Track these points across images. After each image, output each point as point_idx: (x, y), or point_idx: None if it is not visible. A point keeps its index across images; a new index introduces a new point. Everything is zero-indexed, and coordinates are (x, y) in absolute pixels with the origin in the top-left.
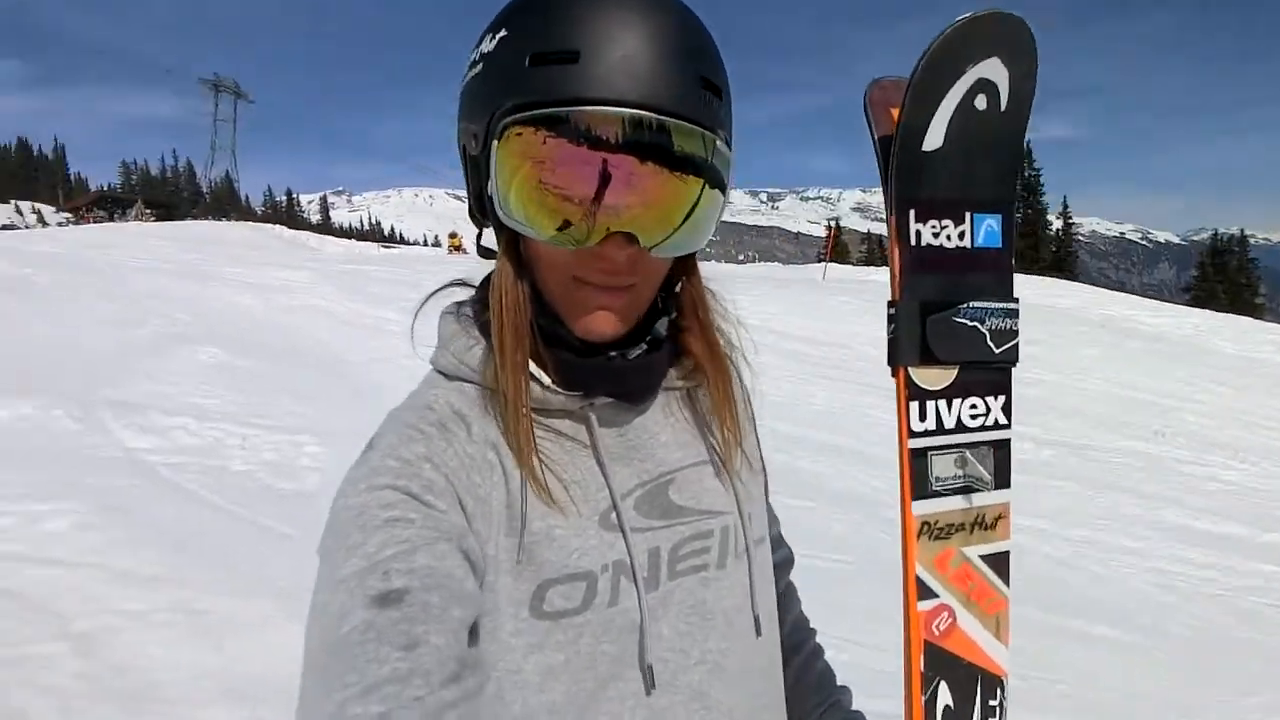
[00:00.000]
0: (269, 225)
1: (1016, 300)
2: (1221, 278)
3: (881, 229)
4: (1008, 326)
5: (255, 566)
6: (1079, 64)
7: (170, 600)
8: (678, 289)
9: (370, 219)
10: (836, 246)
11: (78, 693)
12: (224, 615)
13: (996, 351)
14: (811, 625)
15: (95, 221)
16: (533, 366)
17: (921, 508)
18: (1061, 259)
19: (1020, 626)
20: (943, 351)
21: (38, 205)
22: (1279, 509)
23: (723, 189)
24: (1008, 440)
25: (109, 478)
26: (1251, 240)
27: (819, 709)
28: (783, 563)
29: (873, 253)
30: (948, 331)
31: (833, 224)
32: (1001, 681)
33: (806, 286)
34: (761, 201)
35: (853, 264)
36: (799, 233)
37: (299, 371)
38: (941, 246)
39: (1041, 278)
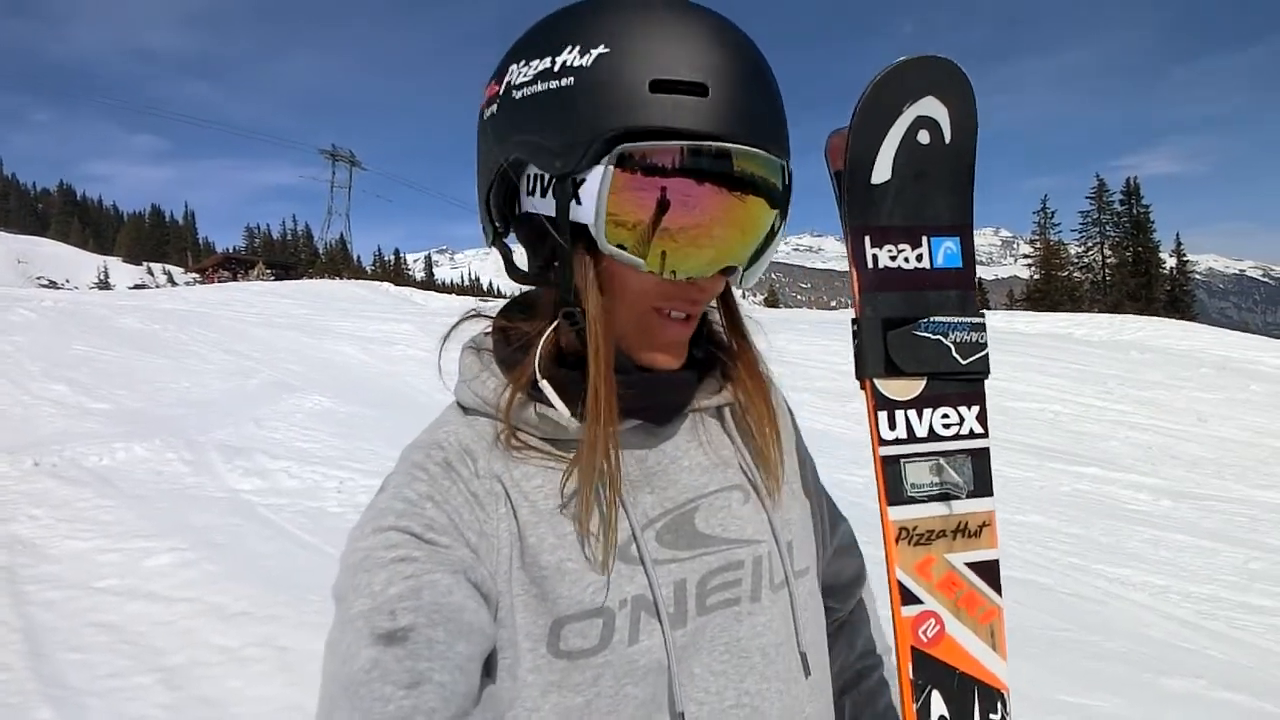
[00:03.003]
0: (377, 282)
1: (982, 315)
2: None
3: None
4: (974, 340)
5: None
6: (1189, 98)
7: (259, 635)
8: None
9: (470, 275)
10: None
11: None
12: (308, 653)
13: (963, 363)
14: (883, 647)
15: (219, 281)
16: (551, 394)
17: (898, 513)
18: (1176, 298)
19: (1138, 692)
20: (905, 363)
21: (167, 267)
22: None
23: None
24: (986, 449)
25: (212, 517)
26: None
27: None
28: (854, 579)
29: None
30: (910, 344)
31: None
32: (1002, 695)
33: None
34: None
35: None
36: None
37: (397, 418)
38: (900, 268)
39: (1156, 318)
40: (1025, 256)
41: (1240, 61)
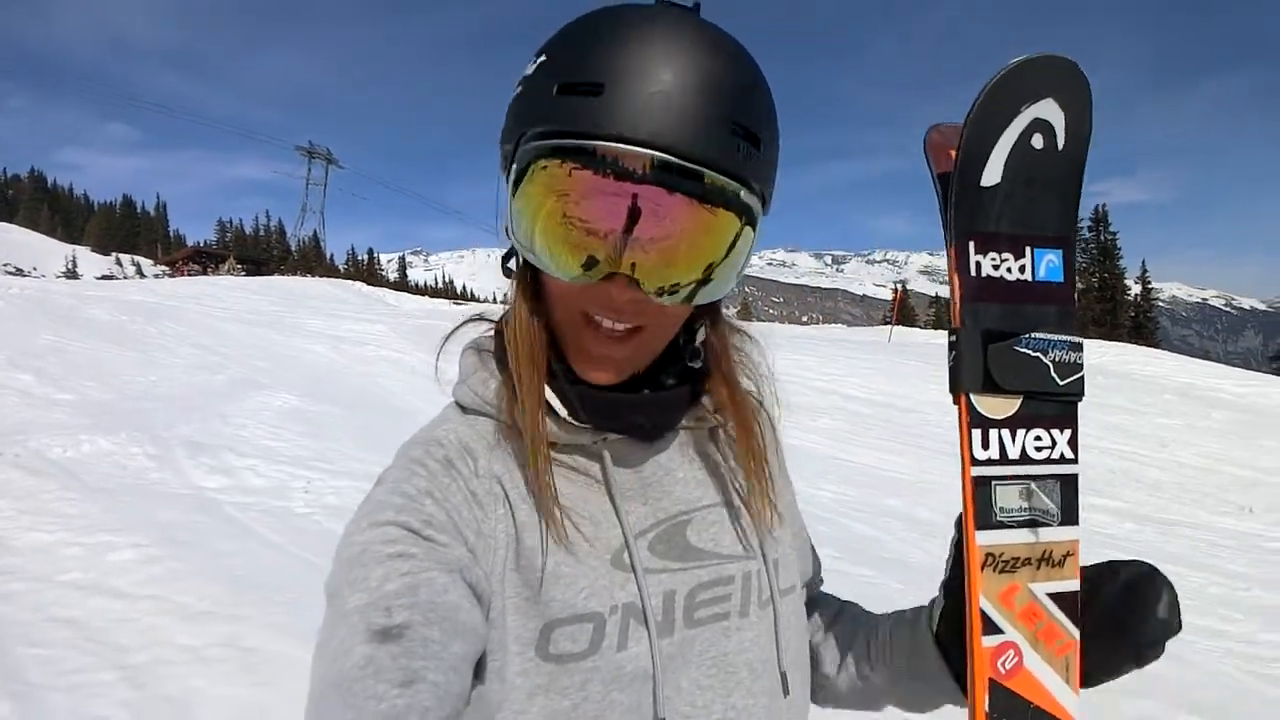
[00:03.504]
0: (349, 281)
1: (1080, 335)
2: None
3: (949, 293)
4: (1071, 359)
5: (307, 607)
6: (1158, 128)
7: (223, 635)
8: (698, 340)
9: (444, 277)
10: (902, 310)
11: None
12: (271, 652)
13: (1061, 384)
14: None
15: (189, 274)
16: (550, 396)
17: (986, 538)
18: (1141, 325)
19: (1100, 714)
20: (1005, 380)
21: (137, 258)
22: None
23: (734, 243)
24: (1075, 475)
25: (176, 513)
26: None
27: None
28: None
29: (940, 317)
30: (1010, 360)
31: (899, 287)
32: None
33: (871, 348)
34: (826, 264)
35: (920, 327)
36: (864, 295)
37: (368, 419)
38: (1002, 278)
39: (1120, 344)
40: None
41: (1206, 94)
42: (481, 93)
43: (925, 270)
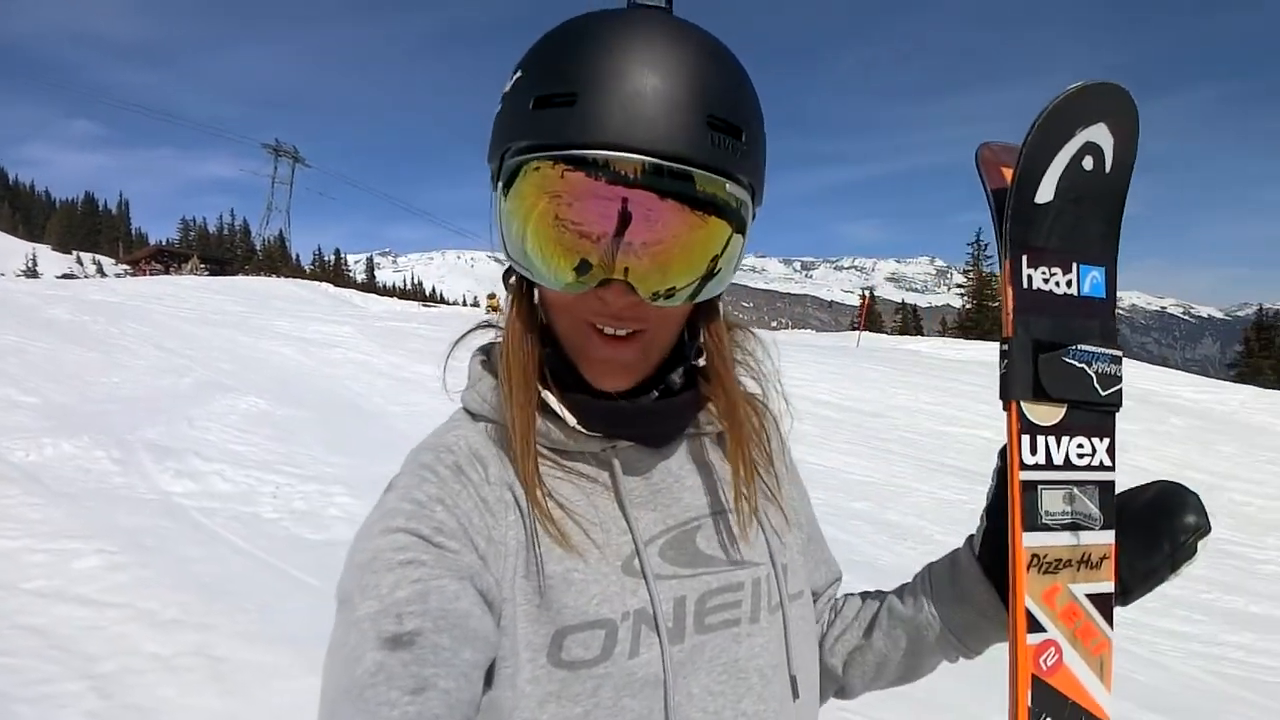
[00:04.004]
0: (316, 282)
1: (1120, 349)
2: (1268, 353)
3: (915, 299)
4: (1113, 371)
5: (276, 614)
6: None
7: (191, 644)
8: (700, 340)
9: (413, 279)
10: (870, 315)
11: None
12: (241, 661)
13: (1103, 395)
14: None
15: (151, 274)
16: (557, 405)
17: (1031, 540)
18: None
19: None
20: (1054, 389)
21: (98, 257)
22: None
23: (731, 209)
24: (1113, 482)
25: (143, 519)
26: None
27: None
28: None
29: (906, 322)
30: (1058, 370)
31: (866, 293)
32: None
33: (839, 354)
34: (795, 270)
35: (886, 333)
36: (832, 301)
37: (336, 423)
38: (1051, 292)
39: None
40: (959, 286)
41: (1167, 108)
42: (452, 93)
43: (892, 277)
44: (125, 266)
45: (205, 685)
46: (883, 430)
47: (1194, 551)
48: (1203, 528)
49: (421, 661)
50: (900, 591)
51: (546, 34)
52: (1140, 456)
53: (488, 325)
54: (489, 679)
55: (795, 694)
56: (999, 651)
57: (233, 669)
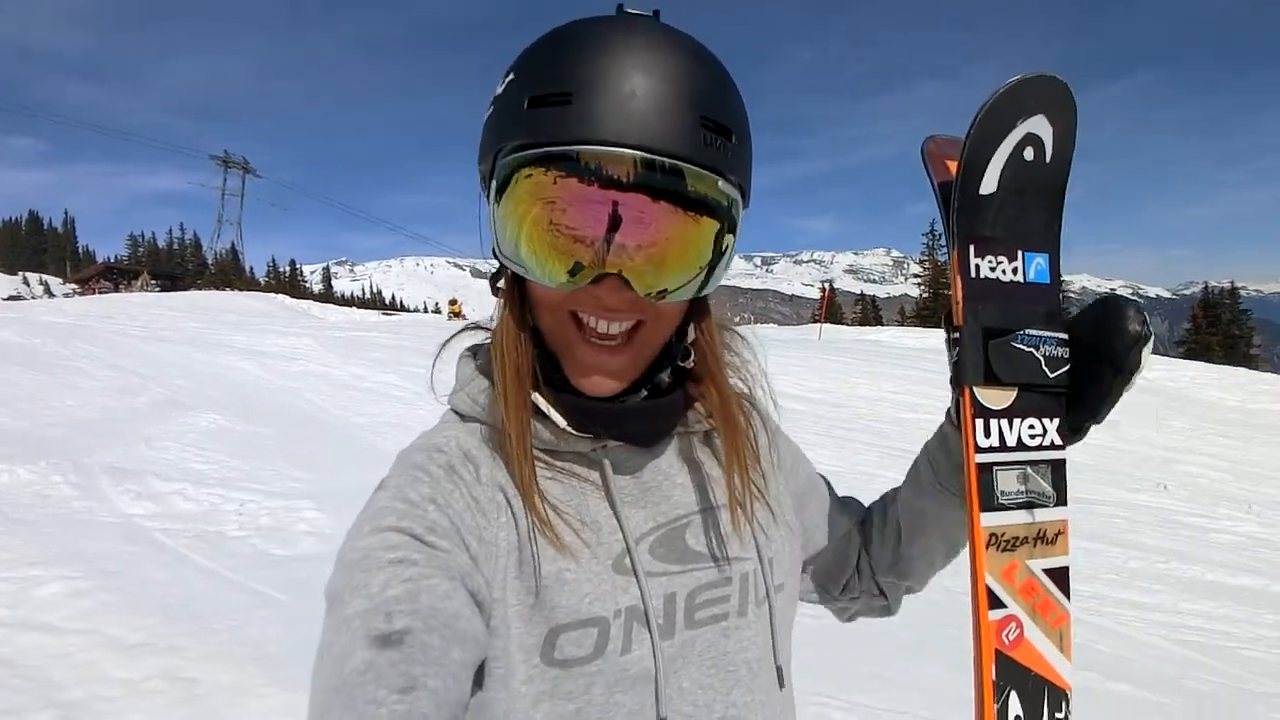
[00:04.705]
0: (272, 294)
1: (1067, 331)
2: (1215, 330)
3: (874, 290)
4: (1060, 354)
5: (247, 633)
6: None
7: (160, 667)
8: (689, 339)
9: (372, 288)
10: (831, 308)
11: None
12: (213, 683)
13: (1051, 376)
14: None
15: (101, 292)
16: (546, 407)
17: (989, 519)
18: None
19: None
20: (1004, 373)
21: (44, 277)
22: None
23: (722, 207)
24: (1064, 460)
25: (104, 543)
26: (1242, 292)
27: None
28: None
29: (866, 314)
30: (1007, 355)
31: (826, 286)
32: (1066, 695)
33: (802, 346)
34: (756, 265)
35: (847, 324)
36: (793, 295)
37: (299, 437)
38: (998, 279)
39: None
40: (915, 276)
41: (1113, 93)
42: (405, 97)
43: (850, 269)
44: (73, 286)
45: (175, 708)
46: (847, 420)
47: (1139, 363)
48: (1144, 335)
49: (410, 660)
50: (903, 487)
51: (540, 38)
52: (1094, 434)
53: (475, 327)
54: (480, 679)
55: (781, 683)
56: (970, 636)
57: (204, 691)
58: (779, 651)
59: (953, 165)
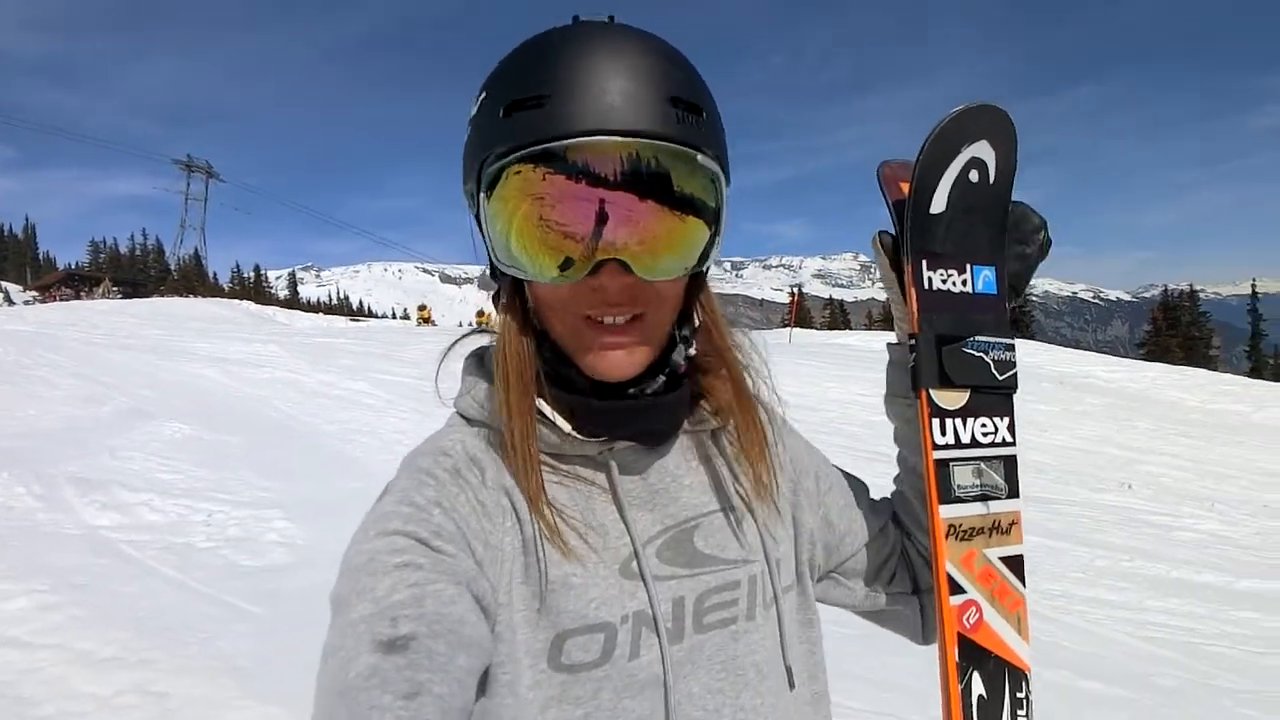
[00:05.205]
0: (236, 300)
1: (1013, 338)
2: (1175, 332)
3: (842, 294)
4: (1007, 358)
5: (219, 646)
6: (1030, 136)
7: (132, 682)
8: (695, 324)
9: (339, 293)
10: (800, 312)
11: None
12: (186, 697)
13: (1000, 379)
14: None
15: (62, 299)
16: (550, 412)
17: (947, 511)
18: (1016, 319)
19: None
20: (956, 376)
21: (4, 284)
22: (1254, 557)
23: (708, 207)
24: (1014, 455)
25: (71, 556)
26: (1201, 294)
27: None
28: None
29: (835, 318)
30: (959, 360)
31: (796, 290)
32: (1026, 675)
33: (774, 350)
34: (725, 270)
35: (817, 328)
36: (763, 300)
37: (267, 445)
38: (949, 291)
39: None
40: (882, 280)
41: (1074, 99)
42: (371, 101)
43: (819, 274)
44: (34, 293)
45: None
46: (818, 424)
47: (1049, 243)
48: (1043, 224)
49: (415, 666)
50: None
51: (506, 56)
52: (1059, 435)
53: (480, 330)
54: (487, 686)
55: (791, 685)
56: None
57: (176, 705)
58: (788, 653)
59: (905, 186)
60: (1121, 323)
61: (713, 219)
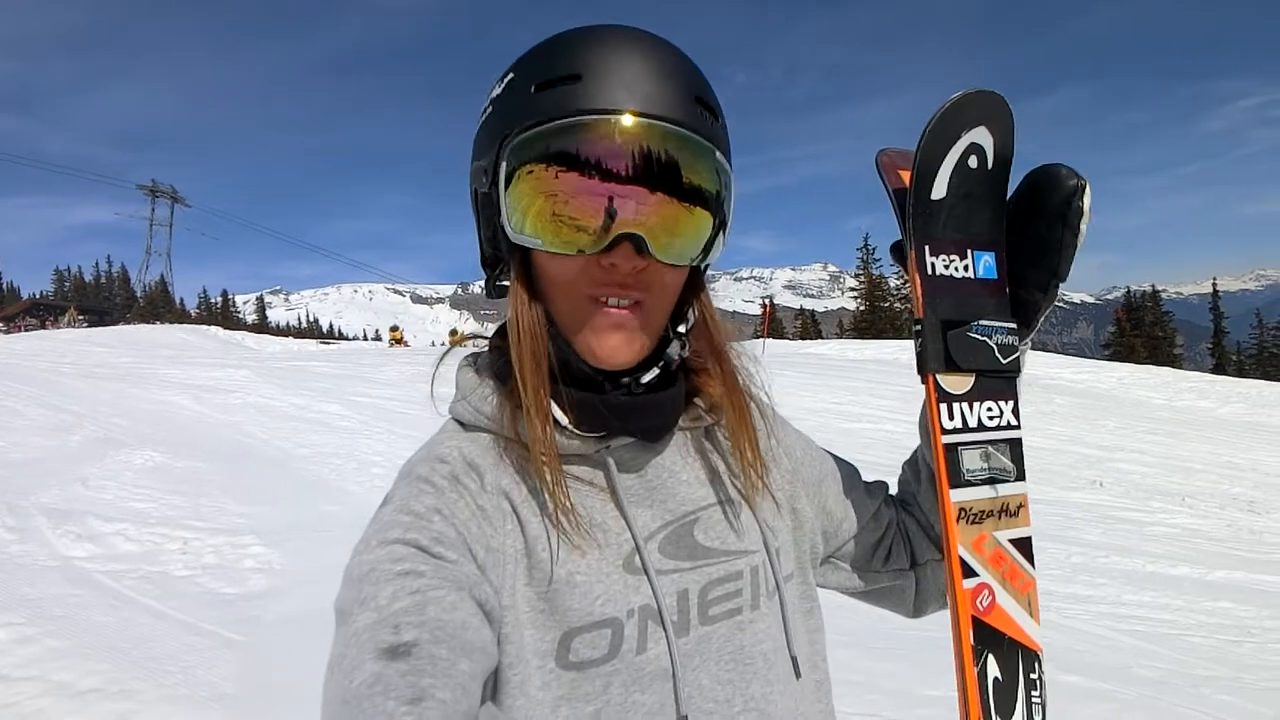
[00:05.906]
0: (205, 326)
1: (1014, 321)
2: (1139, 332)
3: (812, 304)
4: (1010, 342)
5: (199, 674)
6: None
7: (113, 713)
8: (690, 320)
9: (309, 316)
10: (772, 323)
11: None
12: None
13: (1004, 362)
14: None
15: (26, 329)
16: (556, 411)
17: (958, 495)
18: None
19: None
20: (962, 360)
21: None
22: (1224, 548)
23: (719, 204)
24: (1019, 439)
25: (46, 587)
26: (1163, 295)
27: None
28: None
29: (806, 328)
30: (964, 344)
31: (767, 302)
32: (1038, 656)
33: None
34: None
35: (789, 338)
36: (734, 311)
37: (241, 471)
38: (951, 276)
39: None
40: (851, 290)
41: (1037, 111)
42: (337, 122)
43: (789, 285)
44: None
45: None
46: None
47: (1084, 211)
48: (1081, 184)
49: (419, 672)
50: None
51: (533, 46)
52: (1031, 437)
53: (474, 336)
54: (497, 689)
55: (797, 673)
56: (928, 634)
57: None
58: (793, 642)
59: (905, 174)
60: (1086, 325)
61: (722, 216)
